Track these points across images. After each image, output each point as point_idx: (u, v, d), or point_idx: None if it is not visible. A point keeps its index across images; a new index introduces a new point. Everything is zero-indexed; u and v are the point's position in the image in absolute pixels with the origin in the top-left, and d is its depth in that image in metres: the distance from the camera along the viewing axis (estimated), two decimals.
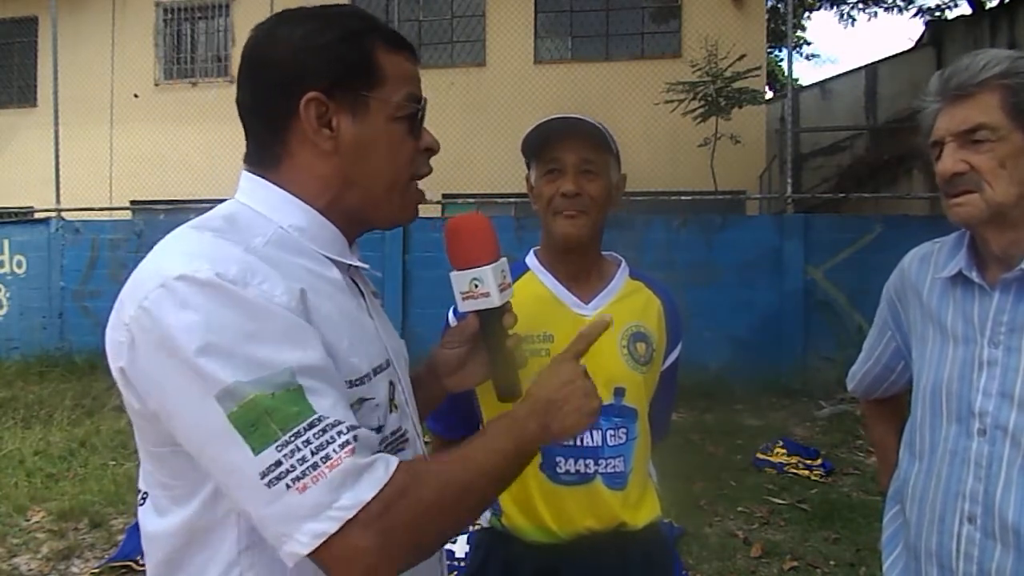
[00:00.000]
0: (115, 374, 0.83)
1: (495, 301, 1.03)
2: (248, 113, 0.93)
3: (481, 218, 1.07)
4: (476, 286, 1.03)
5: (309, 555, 0.75)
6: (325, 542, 0.74)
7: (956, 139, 1.18)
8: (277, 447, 0.74)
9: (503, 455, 0.88)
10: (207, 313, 0.75)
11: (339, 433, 0.76)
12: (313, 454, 0.74)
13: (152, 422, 0.82)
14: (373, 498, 0.75)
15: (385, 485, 0.77)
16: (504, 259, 1.05)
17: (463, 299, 1.05)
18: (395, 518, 0.77)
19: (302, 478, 0.74)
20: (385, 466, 0.79)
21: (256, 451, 0.74)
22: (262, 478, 0.73)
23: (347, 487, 0.75)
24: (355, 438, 0.78)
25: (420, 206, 1.02)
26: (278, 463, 0.73)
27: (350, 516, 0.74)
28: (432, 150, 0.99)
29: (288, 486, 0.73)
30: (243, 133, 0.95)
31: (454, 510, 0.83)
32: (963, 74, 1.18)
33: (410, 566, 0.81)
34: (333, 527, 0.74)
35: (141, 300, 0.77)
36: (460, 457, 0.86)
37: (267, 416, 0.74)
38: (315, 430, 0.75)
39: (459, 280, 1.05)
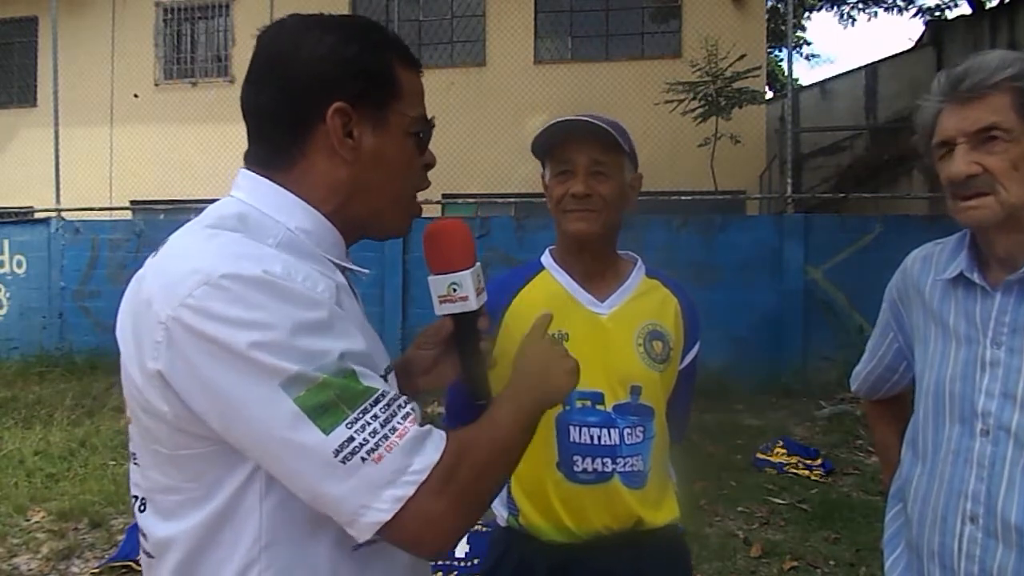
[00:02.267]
0: (141, 376, 0.82)
1: (473, 305, 1.06)
2: (263, 114, 0.93)
3: (460, 224, 1.09)
4: (454, 290, 1.06)
5: (385, 527, 0.78)
6: (403, 508, 0.78)
7: (968, 140, 1.17)
8: (347, 424, 0.78)
9: (522, 414, 0.94)
10: (262, 308, 0.78)
11: (399, 406, 0.82)
12: (383, 426, 0.80)
13: (177, 425, 0.81)
14: (438, 462, 0.81)
15: (444, 450, 0.82)
16: (479, 264, 1.08)
17: (440, 302, 1.07)
18: (460, 481, 0.82)
19: (376, 449, 0.78)
20: (440, 432, 0.85)
21: (327, 431, 0.77)
22: (336, 455, 0.77)
23: (416, 452, 0.81)
24: (413, 408, 0.84)
25: (420, 206, 1.05)
26: (350, 439, 0.78)
27: (423, 479, 0.80)
28: (431, 165, 1.03)
29: (364, 459, 0.78)
30: (244, 132, 0.94)
31: (503, 466, 0.91)
32: (976, 75, 1.16)
33: (471, 526, 0.87)
34: (411, 490, 0.79)
35: (183, 298, 0.78)
36: (489, 423, 0.91)
37: (336, 397, 0.78)
38: (380, 405, 0.81)
39: (437, 284, 1.07)
